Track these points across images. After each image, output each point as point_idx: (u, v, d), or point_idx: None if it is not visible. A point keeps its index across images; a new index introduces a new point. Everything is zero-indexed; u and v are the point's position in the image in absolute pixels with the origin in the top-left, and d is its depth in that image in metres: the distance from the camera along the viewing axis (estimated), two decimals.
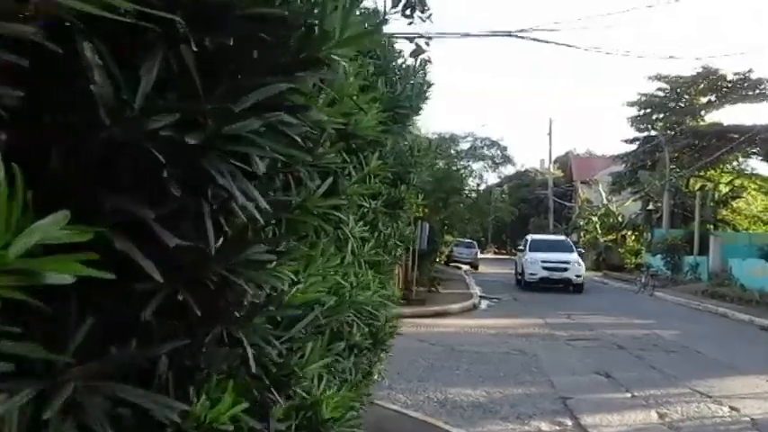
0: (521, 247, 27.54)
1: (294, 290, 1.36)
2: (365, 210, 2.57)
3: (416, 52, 3.17)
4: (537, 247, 25.43)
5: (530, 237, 28.21)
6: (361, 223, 2.24)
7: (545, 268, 23.86)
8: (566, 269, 23.79)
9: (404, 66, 3.01)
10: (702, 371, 9.84)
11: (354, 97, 1.59)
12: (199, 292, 0.90)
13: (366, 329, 2.35)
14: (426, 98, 3.21)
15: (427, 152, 3.77)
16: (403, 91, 2.73)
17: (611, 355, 11.07)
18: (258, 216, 0.92)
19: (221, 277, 0.93)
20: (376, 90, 2.16)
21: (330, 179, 1.47)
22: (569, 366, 9.93)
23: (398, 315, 3.58)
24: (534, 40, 14.19)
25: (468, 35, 14.04)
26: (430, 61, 3.11)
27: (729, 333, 14.68)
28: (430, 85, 3.22)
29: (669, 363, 10.38)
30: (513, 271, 28.11)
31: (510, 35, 13.76)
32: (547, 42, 14.88)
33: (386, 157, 2.44)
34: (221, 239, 0.95)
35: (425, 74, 3.13)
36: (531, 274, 24.15)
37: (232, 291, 0.98)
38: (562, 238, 29.93)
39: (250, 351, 1.04)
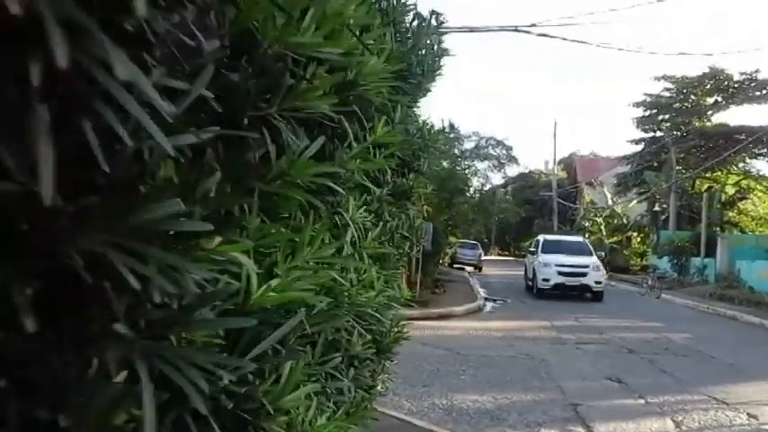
0: (531, 249, 24.78)
1: (265, 287, 0.93)
2: (368, 198, 2.19)
3: None
4: (550, 248, 22.34)
5: (542, 237, 24.69)
6: (363, 209, 1.85)
7: (560, 273, 20.94)
8: (584, 274, 20.89)
9: (415, 24, 2.57)
10: (716, 376, 9.52)
11: (358, 33, 1.17)
12: (51, 287, 0.47)
13: (369, 337, 1.96)
14: (440, 68, 2.79)
15: (438, 135, 3.37)
16: (414, 48, 2.29)
17: (621, 359, 10.71)
18: (162, 139, 0.46)
19: (99, 258, 0.48)
20: (384, 43, 1.75)
21: (322, 138, 1.07)
22: (579, 371, 9.57)
23: (403, 317, 3.23)
24: (541, 35, 13.88)
25: (474, 30, 13.70)
26: (443, 22, 2.68)
27: (740, 336, 14.39)
28: (445, 51, 2.80)
29: (682, 367, 10.03)
30: (522, 273, 26.00)
31: (517, 30, 13.42)
32: (554, 38, 14.51)
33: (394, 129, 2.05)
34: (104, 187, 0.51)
35: (440, 37, 2.70)
36: (545, 279, 21.21)
37: (128, 286, 0.51)
38: (579, 239, 26.40)
39: (149, 394, 0.54)
